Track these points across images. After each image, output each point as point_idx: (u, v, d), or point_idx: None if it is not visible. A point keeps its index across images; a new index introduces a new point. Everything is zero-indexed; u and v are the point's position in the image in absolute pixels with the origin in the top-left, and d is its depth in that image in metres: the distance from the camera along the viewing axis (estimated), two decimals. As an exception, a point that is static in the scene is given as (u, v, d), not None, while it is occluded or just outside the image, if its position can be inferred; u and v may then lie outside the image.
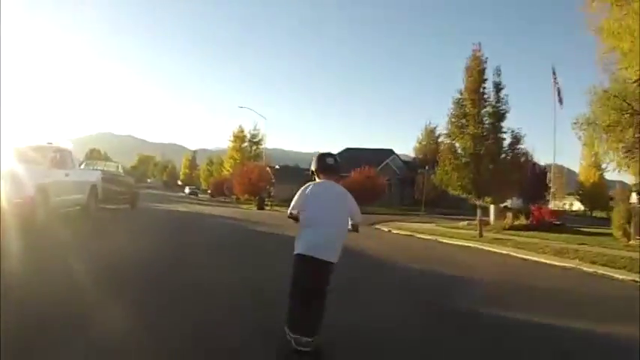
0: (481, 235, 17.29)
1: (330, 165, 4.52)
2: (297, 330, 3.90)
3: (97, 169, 18.15)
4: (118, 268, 7.00)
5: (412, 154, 74.14)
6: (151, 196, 56.41)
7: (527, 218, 22.75)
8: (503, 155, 19.73)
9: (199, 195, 79.00)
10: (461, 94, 20.96)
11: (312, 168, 4.57)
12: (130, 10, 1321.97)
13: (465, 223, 25.86)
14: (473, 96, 20.26)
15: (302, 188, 4.39)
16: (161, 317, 4.71)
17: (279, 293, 4.46)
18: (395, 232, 19.86)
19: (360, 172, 46.08)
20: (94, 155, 76.20)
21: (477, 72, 20.53)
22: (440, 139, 72.24)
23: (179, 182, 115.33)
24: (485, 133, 19.56)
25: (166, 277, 6.76)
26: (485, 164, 18.94)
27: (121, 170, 22.57)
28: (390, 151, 68.62)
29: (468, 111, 20.22)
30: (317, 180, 4.49)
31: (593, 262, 11.09)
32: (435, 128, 71.03)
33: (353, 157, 62.43)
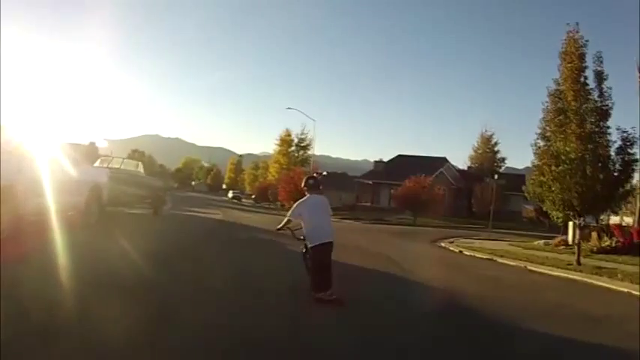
0: (579, 263, 13.72)
1: (311, 184, 7.22)
2: (319, 290, 6.49)
3: (104, 168, 15.17)
4: None
5: (460, 164, 69.27)
6: (191, 199, 54.56)
7: (609, 237, 19.47)
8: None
9: (243, 200, 76.86)
10: (558, 84, 17.13)
11: (302, 185, 7.35)
12: (183, 14, 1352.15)
13: (541, 242, 22.61)
14: (573, 86, 16.33)
15: (299, 201, 7.08)
16: None
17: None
18: (467, 253, 16.41)
19: (415, 182, 42.27)
20: (134, 156, 74.78)
21: (576, 57, 16.62)
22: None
23: (223, 186, 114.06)
24: (590, 134, 15.55)
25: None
26: (595, 173, 14.86)
27: (141, 170, 19.07)
28: (444, 159, 64.66)
29: (568, 105, 16.32)
30: (307, 195, 7.13)
31: None
32: (491, 135, 66.80)
33: (405, 164, 59.15)
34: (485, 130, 67.53)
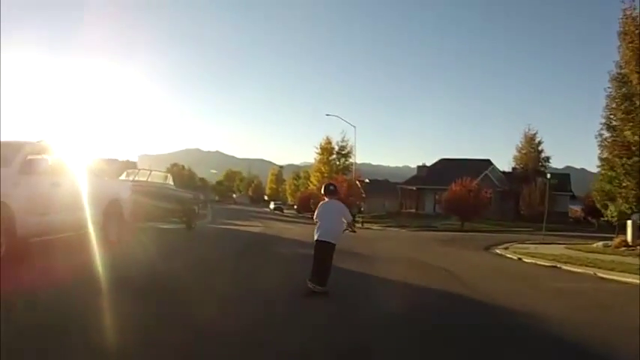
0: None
1: (329, 190, 7.94)
2: (317, 282, 7.09)
3: (127, 180, 14.48)
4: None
5: (502, 166, 67.05)
6: (231, 212, 54.49)
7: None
8: None
9: (285, 210, 76.64)
10: (620, 67, 15.74)
11: (322, 192, 8.12)
12: (220, 29, 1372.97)
13: (600, 244, 21.31)
14: (637, 68, 14.86)
15: (320, 203, 7.88)
16: None
17: None
18: (527, 260, 15.41)
19: (462, 185, 41.07)
20: (173, 170, 75.05)
21: (636, 36, 15.17)
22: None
23: (265, 197, 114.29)
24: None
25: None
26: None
27: (170, 182, 18.25)
28: (488, 162, 63.08)
29: (634, 90, 14.86)
30: (325, 199, 7.85)
31: None
32: (534, 134, 64.62)
33: (448, 168, 57.90)
34: (529, 129, 65.32)
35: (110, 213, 10.55)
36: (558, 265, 13.78)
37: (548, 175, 32.43)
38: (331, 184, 8.23)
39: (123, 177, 15.29)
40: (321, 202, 7.88)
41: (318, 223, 7.62)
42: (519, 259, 15.89)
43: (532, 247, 19.94)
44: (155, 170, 19.70)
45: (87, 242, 9.41)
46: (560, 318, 6.61)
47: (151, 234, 14.47)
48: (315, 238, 7.47)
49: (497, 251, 18.70)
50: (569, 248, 19.66)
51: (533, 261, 15.03)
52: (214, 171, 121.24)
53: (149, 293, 6.47)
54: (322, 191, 8.08)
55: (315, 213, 7.82)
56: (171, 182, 18.14)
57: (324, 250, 7.31)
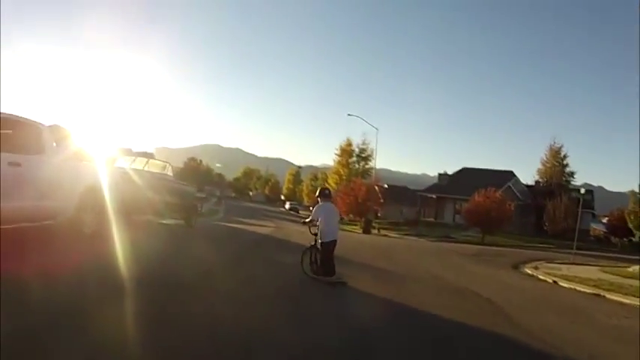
0: None
1: (325, 194, 9.23)
2: (327, 275, 8.55)
3: (116, 167, 12.19)
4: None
5: (525, 180, 65.00)
6: (245, 209, 53.41)
7: None
8: None
9: (300, 211, 75.45)
10: None
11: (316, 195, 9.43)
12: (244, 28, 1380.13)
13: (637, 267, 19.75)
14: None
15: (316, 206, 9.05)
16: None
17: None
18: (564, 285, 13.97)
19: (485, 196, 39.38)
20: (190, 164, 73.94)
21: None
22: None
23: (282, 197, 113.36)
24: None
25: None
26: None
27: (169, 172, 16.00)
28: (511, 173, 61.10)
29: None
30: (320, 202, 9.05)
31: None
32: (560, 148, 62.46)
33: (470, 177, 56.19)
34: (554, 143, 63.22)
35: (86, 202, 8.89)
36: (602, 294, 12.34)
37: (582, 190, 30.61)
38: (327, 189, 9.70)
39: (118, 164, 13.28)
40: (318, 205, 9.09)
41: (320, 224, 8.87)
42: (554, 282, 14.46)
43: (564, 268, 18.46)
44: (157, 159, 18.11)
45: (53, 236, 8.14)
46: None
47: (140, 229, 12.44)
48: (324, 240, 8.76)
49: (528, 270, 17.28)
50: (604, 272, 18.18)
51: (572, 286, 13.57)
52: (219, 165, 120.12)
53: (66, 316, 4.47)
54: (317, 194, 9.39)
55: (313, 214, 9.03)
56: (170, 173, 16.14)
57: (332, 248, 8.83)
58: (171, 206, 14.92)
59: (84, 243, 8.62)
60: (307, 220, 9.30)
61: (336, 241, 8.90)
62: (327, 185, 69.63)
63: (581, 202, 24.51)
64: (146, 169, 14.50)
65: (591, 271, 17.86)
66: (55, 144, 7.92)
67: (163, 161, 17.12)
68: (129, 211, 11.81)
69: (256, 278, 8.91)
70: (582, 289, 12.98)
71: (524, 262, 20.03)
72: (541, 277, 15.60)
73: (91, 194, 9.08)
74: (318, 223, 8.92)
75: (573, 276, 15.34)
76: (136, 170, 13.29)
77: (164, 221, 15.71)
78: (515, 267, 18.55)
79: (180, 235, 14.29)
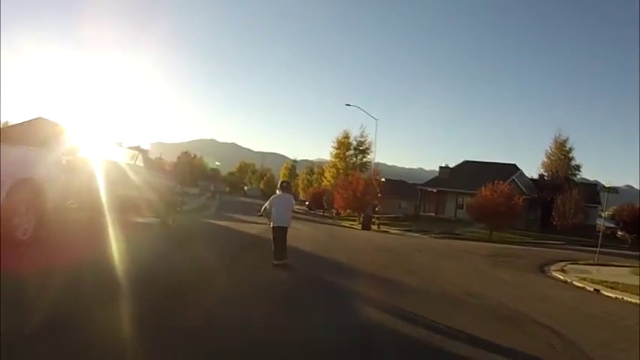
0: None
1: (284, 186, 10.21)
2: (279, 258, 9.37)
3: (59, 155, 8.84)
4: None
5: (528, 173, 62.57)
6: (239, 205, 50.92)
7: None
8: None
9: (295, 207, 73.15)
10: None
11: (278, 186, 10.41)
12: (236, 18, 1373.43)
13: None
14: None
15: (273, 196, 9.99)
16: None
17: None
18: (608, 294, 11.72)
19: (493, 190, 36.88)
20: (183, 158, 71.18)
21: None
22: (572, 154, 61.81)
23: (277, 191, 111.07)
24: None
25: None
26: None
27: (140, 163, 13.64)
28: (514, 167, 58.45)
29: None
30: (278, 192, 10.00)
31: None
32: (565, 140, 59.92)
33: (473, 171, 53.68)
34: (559, 135, 60.70)
35: (17, 198, 6.98)
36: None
37: (606, 183, 27.88)
38: (286, 181, 10.99)
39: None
40: (276, 195, 10.01)
41: (272, 213, 9.61)
42: (596, 290, 12.13)
43: (594, 271, 16.23)
44: (126, 148, 15.61)
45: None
46: None
47: (101, 229, 9.45)
48: (273, 225, 9.56)
49: (557, 275, 15.01)
50: (635, 273, 15.94)
51: (618, 295, 11.22)
52: (219, 163, 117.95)
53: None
54: (278, 185, 10.51)
55: (267, 203, 9.85)
56: (141, 163, 13.57)
57: (281, 233, 9.52)
58: (140, 202, 12.45)
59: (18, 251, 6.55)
60: (262, 210, 10.02)
61: (286, 227, 9.61)
62: (324, 178, 67.82)
63: (607, 198, 21.76)
64: (111, 159, 11.77)
65: (625, 275, 15.66)
66: None
67: (133, 148, 14.54)
68: (84, 209, 9.48)
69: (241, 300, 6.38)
70: (630, 299, 10.67)
71: (548, 264, 17.72)
72: (576, 283, 13.27)
73: (24, 188, 7.13)
74: (272, 213, 9.63)
75: (614, 282, 13.02)
76: (85, 159, 10.51)
77: (142, 220, 13.33)
78: (542, 270, 16.28)
79: (147, 239, 11.76)
